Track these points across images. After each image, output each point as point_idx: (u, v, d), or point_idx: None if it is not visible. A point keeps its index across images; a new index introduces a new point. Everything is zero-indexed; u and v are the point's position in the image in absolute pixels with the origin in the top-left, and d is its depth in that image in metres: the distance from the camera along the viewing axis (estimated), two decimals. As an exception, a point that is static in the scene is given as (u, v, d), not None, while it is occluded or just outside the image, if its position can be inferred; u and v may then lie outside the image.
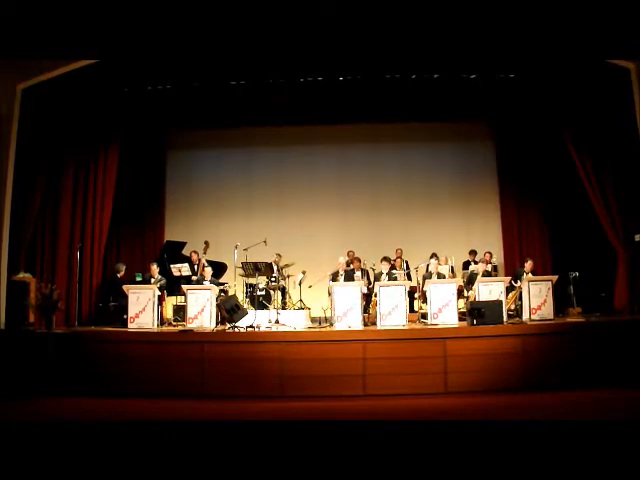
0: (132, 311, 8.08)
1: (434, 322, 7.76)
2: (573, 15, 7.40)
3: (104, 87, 9.70)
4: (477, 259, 10.51)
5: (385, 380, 6.81)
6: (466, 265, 10.76)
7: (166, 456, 4.46)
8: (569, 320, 8.28)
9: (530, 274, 8.86)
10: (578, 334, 7.13)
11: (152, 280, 9.02)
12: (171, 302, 9.62)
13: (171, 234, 11.39)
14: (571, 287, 9.74)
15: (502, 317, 7.49)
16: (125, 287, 8.35)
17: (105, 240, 10.11)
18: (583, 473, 4.01)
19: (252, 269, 9.19)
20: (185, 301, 8.32)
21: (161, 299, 8.78)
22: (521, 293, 8.38)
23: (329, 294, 8.75)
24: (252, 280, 9.57)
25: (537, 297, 8.02)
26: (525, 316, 8.08)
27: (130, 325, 8.03)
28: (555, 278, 8.26)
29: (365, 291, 8.52)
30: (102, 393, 6.81)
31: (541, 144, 10.88)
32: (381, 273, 9.00)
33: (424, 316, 8.39)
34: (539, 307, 8.00)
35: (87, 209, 9.98)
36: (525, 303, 8.14)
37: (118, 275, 9.54)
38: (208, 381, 6.94)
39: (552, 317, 7.96)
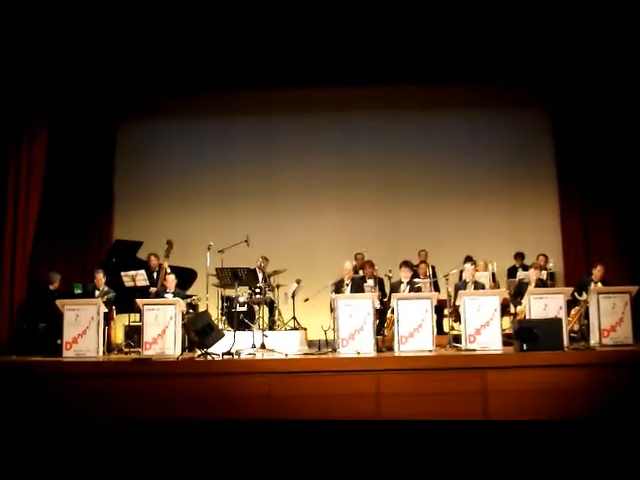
0: (69, 334, 8.02)
1: (470, 347, 7.78)
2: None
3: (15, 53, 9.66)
4: (527, 264, 10.45)
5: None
6: (511, 272, 10.78)
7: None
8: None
9: (600, 284, 8.84)
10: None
11: (97, 292, 8.98)
12: (122, 322, 9.60)
13: (122, 232, 11.43)
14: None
15: (562, 341, 7.46)
16: (59, 302, 8.26)
17: (31, 243, 10.06)
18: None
19: (230, 277, 9.10)
20: (141, 320, 8.30)
21: (109, 318, 8.75)
22: (587, 309, 8.35)
23: (331, 310, 8.73)
24: (230, 292, 9.54)
25: (610, 315, 8.02)
26: (594, 340, 8.08)
27: (66, 353, 7.97)
28: (635, 290, 8.22)
29: (378, 306, 8.53)
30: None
31: (615, 116, 10.79)
32: (400, 282, 8.97)
33: (457, 339, 8.39)
34: (613, 328, 7.99)
35: (6, 209, 9.90)
36: (594, 322, 8.14)
37: (51, 287, 9.49)
38: (171, 426, 6.75)
39: (631, 342, 7.94)
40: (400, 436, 5.40)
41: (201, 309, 9.32)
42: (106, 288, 9.10)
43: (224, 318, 9.61)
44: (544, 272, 9.77)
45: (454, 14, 9.84)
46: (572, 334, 8.26)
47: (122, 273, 9.55)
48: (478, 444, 5.15)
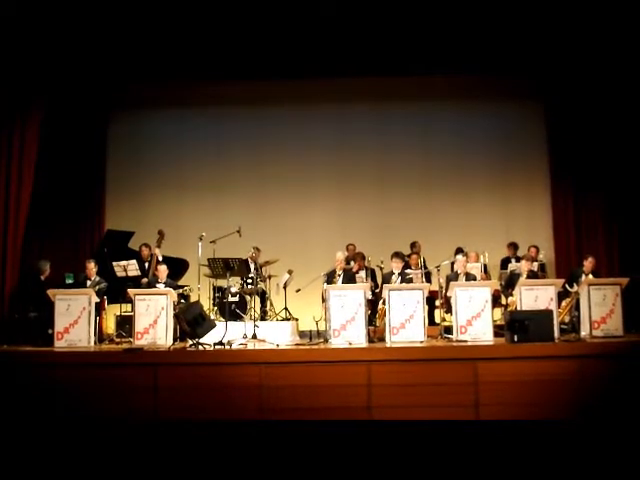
0: (60, 324, 8.01)
1: (461, 338, 7.79)
2: None
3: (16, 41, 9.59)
4: (519, 255, 10.45)
5: (397, 414, 6.76)
6: (504, 263, 10.78)
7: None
8: (645, 338, 8.29)
9: (591, 275, 8.83)
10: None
11: (88, 282, 8.95)
12: (113, 312, 9.58)
13: (114, 222, 11.38)
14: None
15: (552, 332, 7.46)
16: (50, 292, 8.24)
17: (22, 232, 10.04)
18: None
19: (222, 267, 9.17)
20: (132, 310, 8.30)
21: (100, 308, 8.75)
22: (578, 301, 8.36)
23: (323, 300, 8.79)
24: (222, 282, 9.53)
25: (601, 306, 8.01)
26: (584, 331, 8.07)
27: (57, 343, 7.97)
28: (625, 281, 8.20)
29: (370, 296, 8.52)
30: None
31: (608, 108, 10.78)
32: (391, 273, 8.99)
33: (448, 330, 8.38)
34: (603, 320, 7.97)
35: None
36: (584, 314, 8.13)
37: (41, 277, 9.39)
38: (163, 418, 6.87)
39: (621, 333, 7.93)
40: (392, 436, 5.46)
41: (193, 299, 9.28)
42: (97, 278, 9.07)
43: (216, 308, 9.64)
44: (535, 263, 9.77)
45: (450, 6, 9.79)
46: (563, 326, 8.27)
47: (114, 263, 9.58)
48: (470, 446, 5.18)
